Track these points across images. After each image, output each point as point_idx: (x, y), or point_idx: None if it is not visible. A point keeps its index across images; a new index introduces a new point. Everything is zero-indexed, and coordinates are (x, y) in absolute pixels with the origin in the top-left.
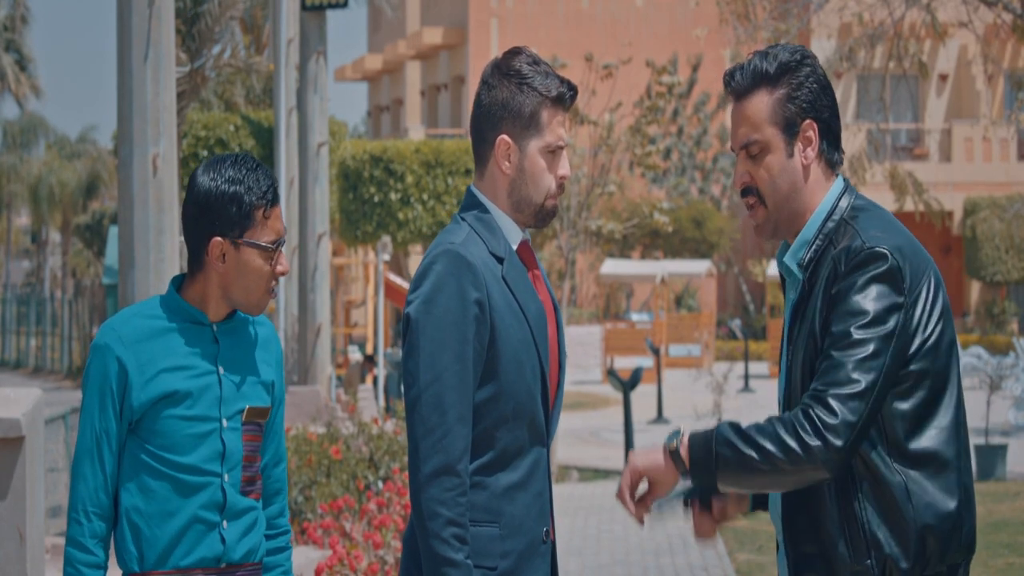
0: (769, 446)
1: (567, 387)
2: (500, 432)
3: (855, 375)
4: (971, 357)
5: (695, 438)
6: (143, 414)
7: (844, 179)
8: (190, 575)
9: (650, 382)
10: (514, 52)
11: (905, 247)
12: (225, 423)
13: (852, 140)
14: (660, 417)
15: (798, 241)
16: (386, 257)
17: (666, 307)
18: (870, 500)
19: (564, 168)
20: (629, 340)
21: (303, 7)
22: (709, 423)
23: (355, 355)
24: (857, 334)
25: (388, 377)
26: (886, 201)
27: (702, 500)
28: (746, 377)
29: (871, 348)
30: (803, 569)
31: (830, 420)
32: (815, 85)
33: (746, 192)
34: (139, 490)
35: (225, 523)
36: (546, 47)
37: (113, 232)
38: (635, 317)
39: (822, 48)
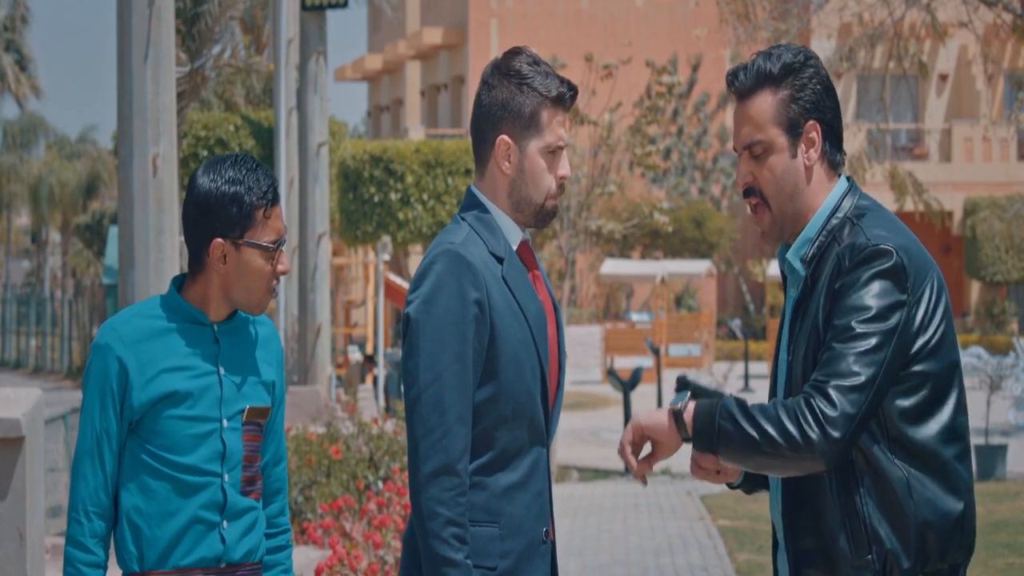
0: (770, 429)
1: (567, 387)
2: (500, 432)
3: (856, 367)
4: (971, 357)
5: (700, 407)
6: (143, 414)
7: (848, 178)
8: (190, 575)
9: (650, 382)
10: (514, 52)
11: (910, 247)
12: (225, 423)
13: (852, 140)
14: None
15: (801, 238)
16: (386, 257)
17: (666, 307)
18: (871, 495)
19: (564, 168)
20: (629, 340)
21: (303, 7)
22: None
23: (355, 355)
24: (859, 328)
25: (388, 377)
26: (886, 201)
27: None
28: (746, 377)
29: (873, 342)
30: (804, 564)
31: (830, 412)
32: (818, 86)
33: (748, 193)
34: (139, 490)
35: (225, 523)
36: (546, 47)
37: (113, 232)
38: (635, 317)
39: (822, 48)
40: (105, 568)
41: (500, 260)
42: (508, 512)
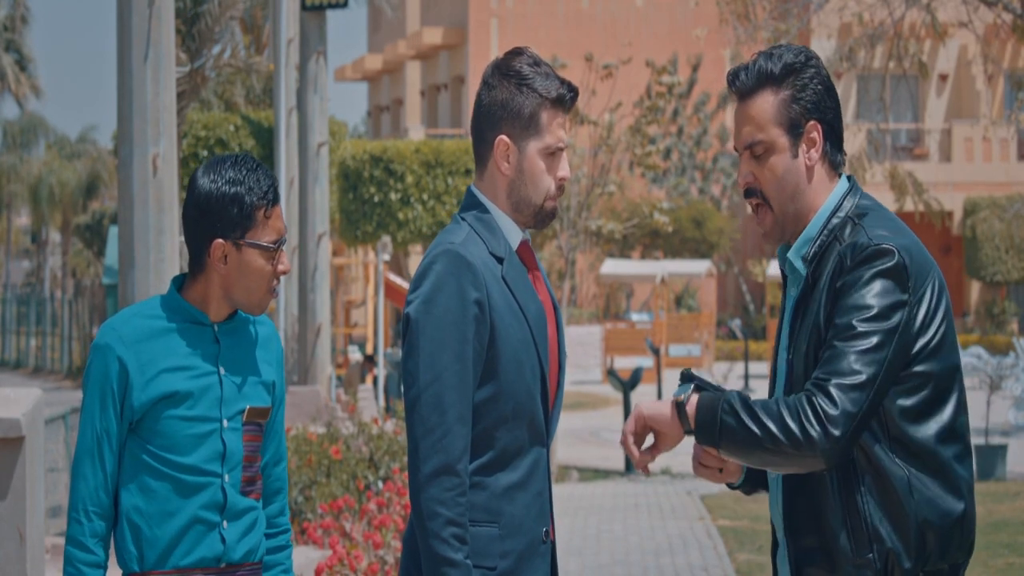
0: (772, 426)
1: (567, 387)
2: (500, 432)
3: (857, 366)
4: (971, 357)
5: (703, 400)
6: (144, 414)
7: (850, 178)
8: (190, 575)
9: (650, 382)
10: (515, 53)
11: (912, 248)
12: (226, 423)
13: (852, 140)
14: None
15: (802, 238)
16: (386, 257)
17: (666, 307)
18: (872, 493)
19: (564, 170)
20: (629, 340)
21: (303, 7)
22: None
23: (355, 355)
24: (861, 327)
25: (388, 377)
26: (886, 201)
27: None
28: (746, 377)
29: (874, 341)
30: (804, 563)
31: (831, 410)
32: (819, 86)
33: (749, 193)
34: (139, 490)
35: (225, 523)
36: (546, 47)
37: (113, 232)
38: (635, 317)
39: (822, 48)
40: (105, 568)
41: (500, 260)
42: (508, 512)
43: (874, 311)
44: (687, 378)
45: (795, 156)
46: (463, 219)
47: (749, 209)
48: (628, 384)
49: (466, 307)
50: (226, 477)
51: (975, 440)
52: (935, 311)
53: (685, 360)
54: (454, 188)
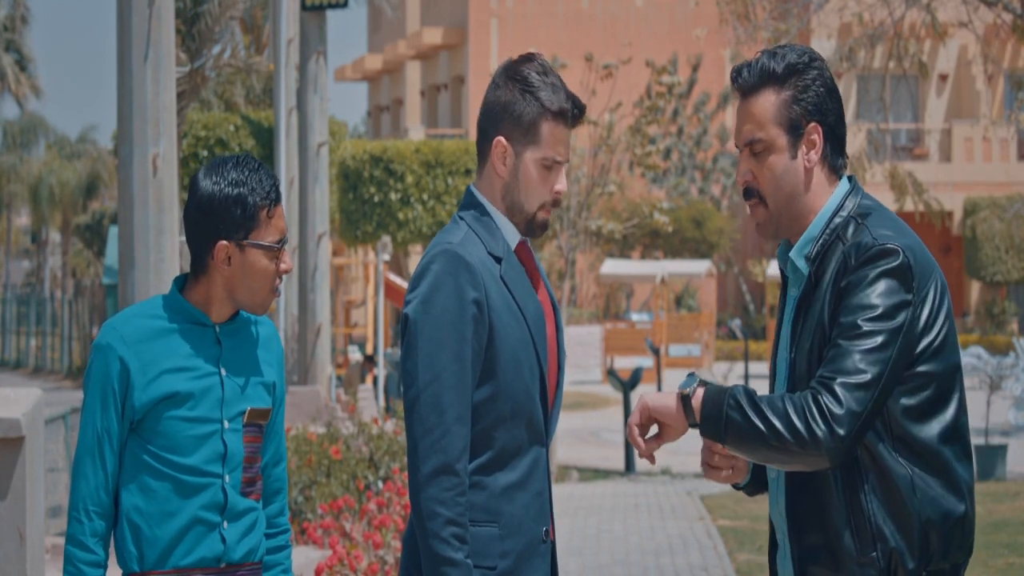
0: (778, 424)
1: (567, 387)
2: (498, 432)
3: (862, 365)
4: (971, 357)
5: (709, 393)
6: (145, 414)
7: (851, 178)
8: (190, 575)
9: (650, 382)
10: (527, 58)
11: (915, 247)
12: (226, 424)
13: (852, 140)
14: None
15: (804, 238)
16: (386, 257)
17: (666, 307)
18: (876, 492)
19: (561, 184)
20: (629, 340)
21: (303, 7)
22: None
23: (355, 355)
24: (866, 326)
25: (388, 377)
26: (886, 201)
27: None
28: (746, 377)
29: (879, 340)
30: (808, 562)
31: (836, 409)
32: (822, 89)
33: (748, 195)
34: (140, 490)
35: (226, 524)
36: (546, 47)
37: (113, 232)
38: (635, 317)
39: (822, 48)
40: (105, 567)
41: (498, 260)
42: (507, 512)
43: (879, 310)
44: (692, 381)
45: (794, 157)
46: (461, 219)
47: (748, 209)
48: (628, 384)
49: (464, 307)
50: (227, 478)
51: (975, 440)
52: (938, 311)
53: (685, 360)
54: (454, 188)
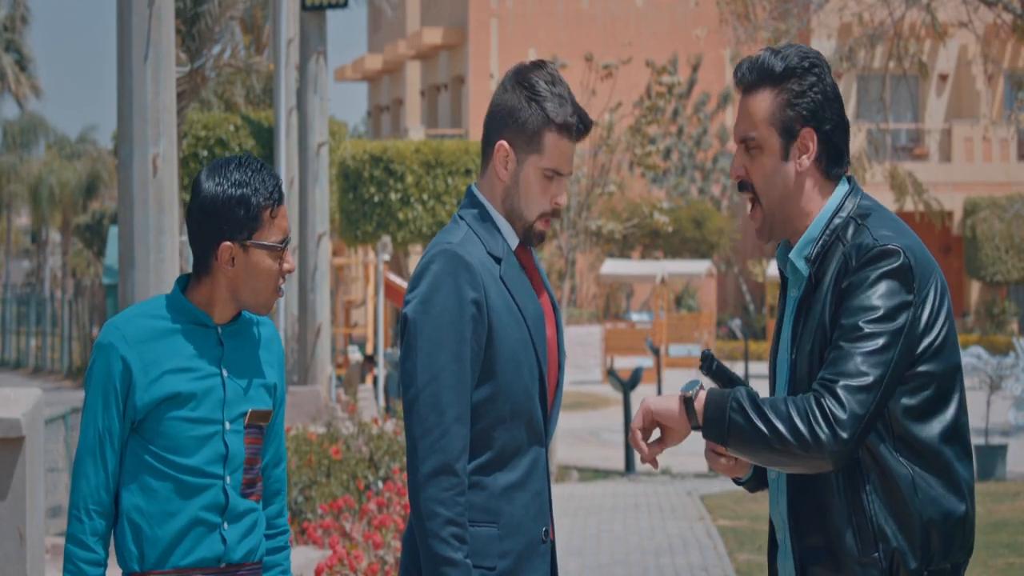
0: (781, 426)
1: (567, 387)
2: (498, 432)
3: (864, 367)
4: (971, 357)
5: (712, 396)
6: (146, 414)
7: (850, 179)
8: (190, 575)
9: (650, 382)
10: (537, 65)
11: (915, 248)
12: (228, 426)
13: (852, 140)
14: None
15: (804, 239)
16: (386, 257)
17: (666, 307)
18: (878, 492)
19: (561, 196)
20: (629, 340)
21: (303, 7)
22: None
23: (355, 355)
24: (867, 328)
25: (388, 377)
26: (886, 201)
27: None
28: (746, 377)
29: (881, 342)
30: (810, 563)
31: (839, 412)
32: (819, 95)
33: (742, 187)
34: (140, 490)
35: (226, 524)
36: (546, 47)
37: (113, 232)
38: (635, 317)
39: (822, 48)
40: (105, 566)
41: (498, 260)
42: (507, 512)
43: (880, 312)
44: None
45: (785, 159)
46: (462, 219)
47: (748, 209)
48: (628, 384)
49: (463, 307)
50: (228, 479)
51: (975, 440)
52: (938, 311)
53: (685, 360)
54: (454, 188)
